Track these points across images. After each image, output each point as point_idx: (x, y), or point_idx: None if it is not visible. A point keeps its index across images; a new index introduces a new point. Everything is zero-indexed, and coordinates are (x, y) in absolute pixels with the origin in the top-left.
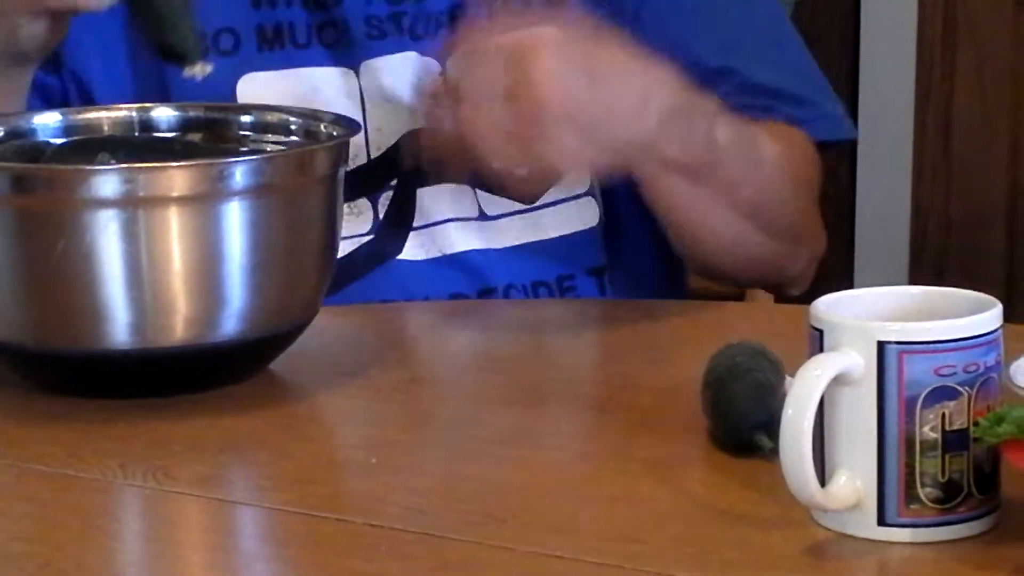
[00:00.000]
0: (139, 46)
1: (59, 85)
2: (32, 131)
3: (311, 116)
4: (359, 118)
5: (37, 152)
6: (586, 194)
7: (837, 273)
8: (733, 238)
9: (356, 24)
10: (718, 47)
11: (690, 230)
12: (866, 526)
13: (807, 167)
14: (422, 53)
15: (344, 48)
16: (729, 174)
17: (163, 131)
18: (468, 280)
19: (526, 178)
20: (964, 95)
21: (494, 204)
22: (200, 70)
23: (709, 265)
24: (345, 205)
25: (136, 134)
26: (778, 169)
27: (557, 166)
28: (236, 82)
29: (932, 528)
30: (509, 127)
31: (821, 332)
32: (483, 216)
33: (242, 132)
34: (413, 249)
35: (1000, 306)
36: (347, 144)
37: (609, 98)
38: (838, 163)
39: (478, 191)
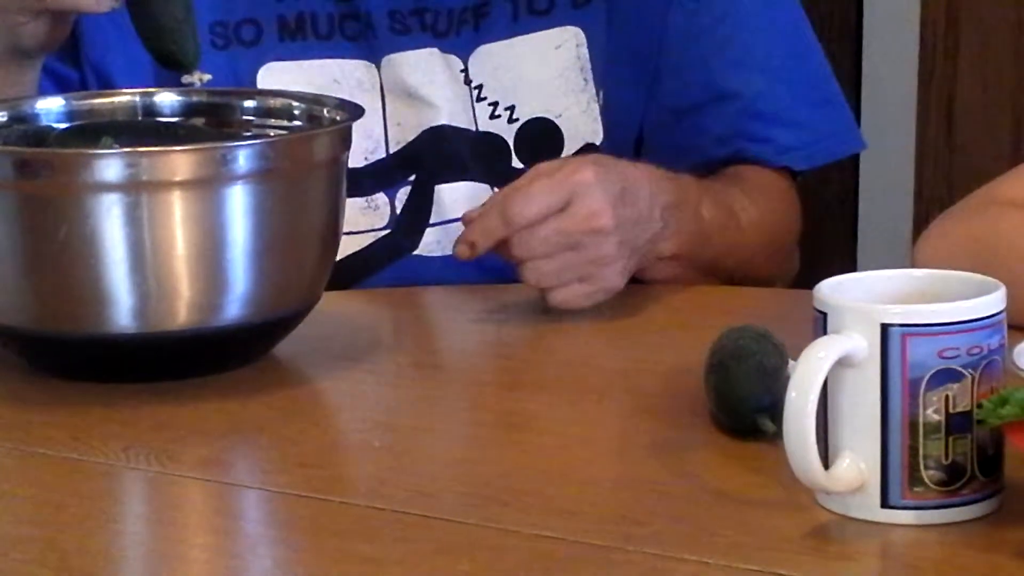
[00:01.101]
0: None
1: (78, 76)
2: (36, 116)
3: (314, 101)
4: (378, 112)
5: (41, 137)
6: None
7: (840, 259)
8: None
9: (380, 18)
10: (732, 67)
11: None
12: (870, 508)
13: (783, 221)
14: (444, 50)
15: (366, 42)
16: (713, 253)
17: (166, 116)
18: (484, 277)
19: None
20: (967, 79)
21: None
22: (199, 78)
23: None
24: (363, 199)
25: (139, 118)
26: (755, 235)
27: (615, 287)
28: (257, 72)
29: (936, 510)
30: (568, 263)
31: (824, 315)
32: None
33: (245, 117)
34: (429, 245)
35: (1003, 288)
36: (350, 129)
37: (635, 212)
38: None
39: (495, 189)
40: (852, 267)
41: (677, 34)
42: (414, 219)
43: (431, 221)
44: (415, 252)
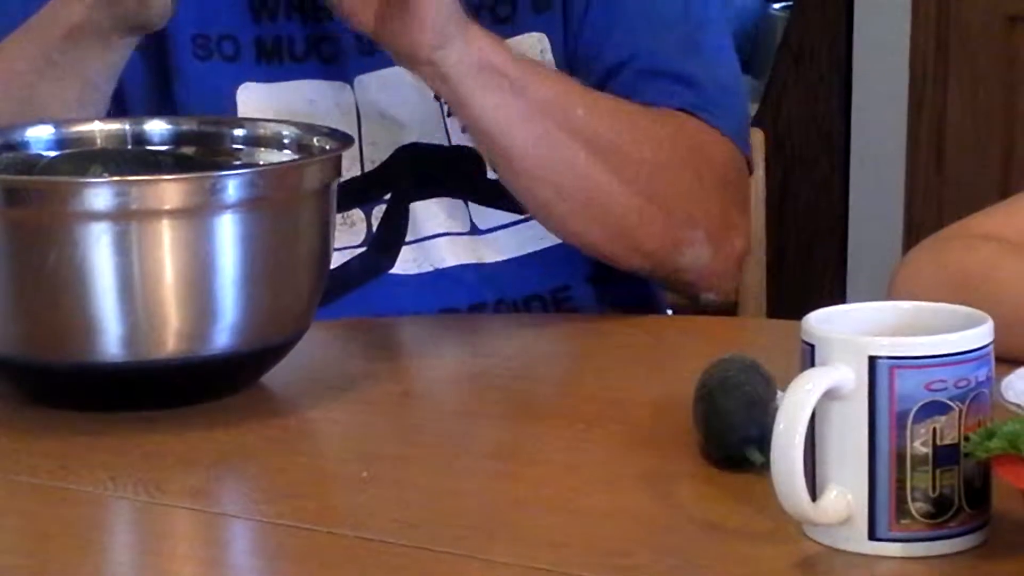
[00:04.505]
0: (145, 49)
1: None
2: (25, 143)
3: (304, 129)
4: (354, 132)
5: (30, 164)
6: None
7: (829, 288)
8: (574, 178)
9: (347, 39)
10: (633, 36)
11: (498, 144)
12: (857, 540)
13: (696, 144)
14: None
15: (339, 62)
16: (545, 94)
17: (156, 144)
18: (460, 294)
19: None
20: (956, 110)
21: (486, 218)
22: None
23: (552, 216)
24: (338, 217)
25: (129, 147)
26: (589, 139)
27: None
28: (236, 88)
29: (923, 543)
30: None
31: (812, 347)
32: (475, 230)
33: (235, 145)
34: (405, 263)
35: (991, 321)
36: (340, 158)
37: None
38: (831, 176)
39: (470, 205)
40: (841, 298)
41: (591, 20)
42: (390, 237)
43: (407, 239)
44: (392, 270)
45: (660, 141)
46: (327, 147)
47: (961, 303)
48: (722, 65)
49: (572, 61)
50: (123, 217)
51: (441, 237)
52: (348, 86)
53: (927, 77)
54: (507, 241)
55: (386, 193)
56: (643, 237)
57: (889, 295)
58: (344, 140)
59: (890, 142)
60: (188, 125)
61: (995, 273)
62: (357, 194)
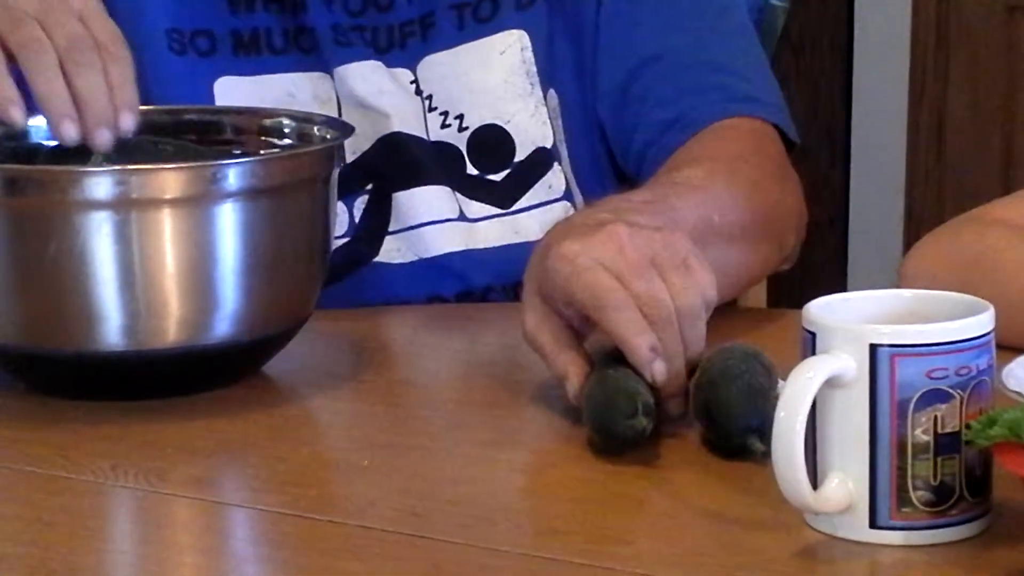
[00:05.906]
0: None
1: None
2: (26, 133)
3: (304, 119)
4: None
5: (31, 154)
6: (563, 198)
7: (830, 277)
8: (736, 269)
9: (324, 31)
10: (663, 29)
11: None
12: (858, 529)
13: (771, 154)
14: (389, 65)
15: (318, 54)
16: (700, 214)
17: (156, 133)
18: (447, 282)
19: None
20: (957, 100)
21: (475, 207)
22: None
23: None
24: None
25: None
26: (720, 183)
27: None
28: (214, 82)
29: (924, 531)
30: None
31: (813, 335)
32: (463, 218)
33: (235, 135)
34: (390, 252)
35: (992, 309)
36: (341, 146)
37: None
38: (831, 167)
39: (458, 193)
40: (843, 287)
41: (610, 13)
42: (373, 227)
43: (393, 228)
44: (376, 259)
45: (759, 183)
46: (327, 136)
47: (969, 286)
48: (752, 45)
49: (599, 54)
50: (124, 206)
51: (430, 225)
52: (328, 77)
53: (928, 68)
54: (495, 230)
55: (368, 183)
56: (761, 273)
57: (901, 277)
58: (344, 129)
59: (891, 133)
60: (188, 114)
61: (1003, 256)
62: (339, 185)
